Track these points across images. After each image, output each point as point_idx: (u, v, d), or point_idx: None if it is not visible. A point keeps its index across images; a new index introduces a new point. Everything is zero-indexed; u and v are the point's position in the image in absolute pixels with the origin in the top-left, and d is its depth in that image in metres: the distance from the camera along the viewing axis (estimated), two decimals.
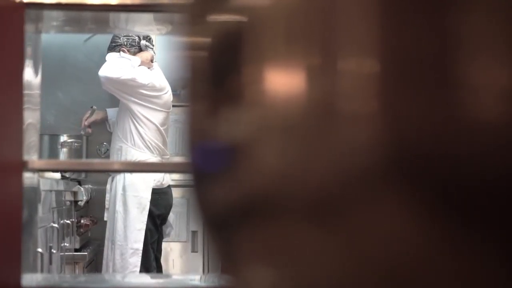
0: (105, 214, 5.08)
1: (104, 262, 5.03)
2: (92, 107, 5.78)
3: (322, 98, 0.42)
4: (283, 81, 0.44)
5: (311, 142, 0.43)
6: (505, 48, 0.38)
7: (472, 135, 0.38)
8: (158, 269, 5.01)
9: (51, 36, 4.78)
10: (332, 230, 0.43)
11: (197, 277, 2.44)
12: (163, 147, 4.95)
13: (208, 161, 0.51)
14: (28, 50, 2.02)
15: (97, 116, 5.59)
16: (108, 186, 5.05)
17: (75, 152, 5.53)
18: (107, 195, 5.05)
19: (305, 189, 0.44)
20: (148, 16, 2.13)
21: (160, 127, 4.91)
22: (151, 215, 4.87)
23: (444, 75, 0.38)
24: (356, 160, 0.41)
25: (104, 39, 5.83)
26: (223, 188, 0.50)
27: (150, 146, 4.87)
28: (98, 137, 5.87)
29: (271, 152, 0.45)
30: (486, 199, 0.38)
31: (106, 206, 5.06)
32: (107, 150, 5.90)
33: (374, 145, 0.40)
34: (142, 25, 2.28)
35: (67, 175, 5.16)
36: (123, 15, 2.13)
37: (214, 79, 0.51)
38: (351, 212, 0.42)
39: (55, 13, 2.13)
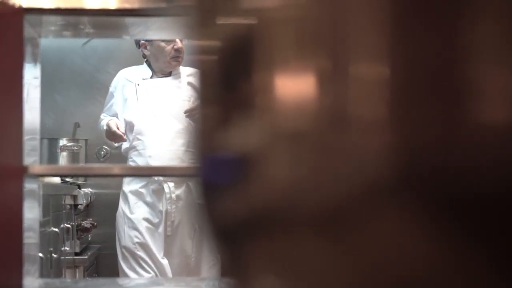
0: (168, 228, 4.25)
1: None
2: (77, 123, 5.79)
3: (332, 104, 0.42)
4: (293, 87, 0.44)
5: (321, 152, 0.43)
6: None
7: (485, 145, 0.38)
8: None
9: (49, 40, 4.78)
10: (341, 242, 0.43)
11: (202, 280, 2.44)
12: None
13: (218, 173, 0.51)
14: (27, 55, 2.02)
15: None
16: (168, 195, 4.26)
17: (74, 156, 5.53)
18: (171, 207, 4.25)
19: (315, 201, 0.43)
20: (147, 21, 2.13)
21: None
22: None
23: (455, 83, 0.38)
24: (366, 171, 0.41)
25: (102, 42, 5.84)
26: (233, 200, 0.50)
27: None
28: (97, 140, 5.87)
29: (281, 161, 0.45)
30: (497, 213, 0.38)
31: (173, 219, 4.25)
32: (106, 153, 5.90)
33: (385, 155, 0.40)
34: (141, 29, 2.28)
35: (67, 179, 5.16)
36: (122, 20, 2.13)
37: (224, 83, 0.51)
38: (360, 224, 0.42)
39: (53, 18, 2.13)
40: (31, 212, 2.07)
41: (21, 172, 1.96)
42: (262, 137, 0.46)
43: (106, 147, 5.89)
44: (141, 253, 4.32)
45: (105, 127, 4.44)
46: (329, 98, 0.42)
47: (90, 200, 5.61)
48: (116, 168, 2.46)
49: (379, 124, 0.40)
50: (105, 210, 5.83)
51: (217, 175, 0.51)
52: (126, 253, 4.42)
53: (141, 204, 4.37)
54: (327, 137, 0.42)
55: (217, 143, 0.52)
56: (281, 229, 0.46)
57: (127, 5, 1.98)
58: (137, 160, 4.39)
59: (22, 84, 1.96)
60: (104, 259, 5.83)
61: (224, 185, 0.51)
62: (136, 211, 4.38)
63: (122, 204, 4.50)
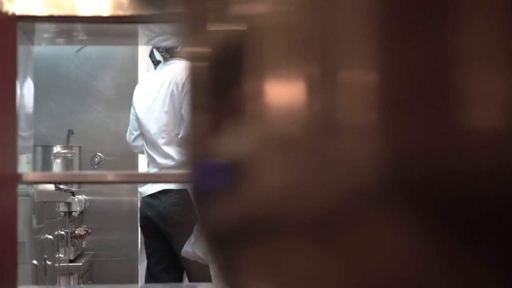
0: None
1: None
2: (70, 130, 5.78)
3: (323, 112, 0.42)
4: (284, 94, 0.44)
5: (312, 158, 0.43)
6: (503, 60, 0.38)
7: (474, 152, 0.38)
8: None
9: (42, 47, 4.77)
10: (333, 247, 0.43)
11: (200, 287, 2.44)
12: None
13: (209, 178, 0.51)
14: (21, 63, 2.02)
15: None
16: None
17: (68, 163, 5.53)
18: None
19: (307, 207, 0.44)
20: (141, 28, 2.13)
21: None
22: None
23: (445, 89, 0.38)
24: (356, 176, 0.41)
25: (96, 49, 5.84)
26: (224, 205, 0.50)
27: None
28: (91, 147, 5.87)
29: (272, 168, 0.45)
30: (489, 218, 0.38)
31: None
32: (100, 160, 5.90)
33: (375, 161, 0.40)
34: (135, 36, 2.28)
35: (61, 186, 5.16)
36: (115, 27, 2.13)
37: (215, 90, 0.51)
38: (352, 229, 0.42)
39: (47, 25, 2.13)
40: (25, 220, 2.07)
41: (15, 179, 1.96)
42: (253, 144, 0.47)
43: (100, 154, 5.89)
44: None
45: None
46: (320, 104, 0.43)
47: (84, 207, 5.60)
48: (110, 175, 2.46)
49: (369, 130, 0.40)
50: (99, 217, 5.83)
51: (209, 182, 0.52)
52: None
53: None
54: (318, 143, 0.43)
55: (208, 150, 0.52)
56: (273, 234, 0.47)
57: (120, 12, 1.98)
58: None
59: (15, 92, 1.96)
60: (98, 266, 5.82)
61: (216, 191, 0.51)
62: None
63: None
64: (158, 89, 4.32)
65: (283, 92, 0.44)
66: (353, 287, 0.43)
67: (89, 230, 5.55)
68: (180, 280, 4.44)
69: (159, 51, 4.45)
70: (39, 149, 5.32)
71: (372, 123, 0.40)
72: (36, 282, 3.51)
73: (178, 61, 4.32)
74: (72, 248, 5.10)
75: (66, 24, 2.12)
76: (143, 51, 5.65)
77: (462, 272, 0.39)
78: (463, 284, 0.40)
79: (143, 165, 5.66)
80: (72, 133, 5.86)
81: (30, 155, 2.14)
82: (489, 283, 0.39)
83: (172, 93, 4.25)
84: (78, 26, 2.15)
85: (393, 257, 0.41)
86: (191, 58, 0.57)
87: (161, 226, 4.31)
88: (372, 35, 0.40)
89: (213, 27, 0.53)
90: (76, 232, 5.26)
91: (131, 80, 5.68)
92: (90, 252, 5.71)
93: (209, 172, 0.52)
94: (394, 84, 0.40)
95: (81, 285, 5.00)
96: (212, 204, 0.51)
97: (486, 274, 0.39)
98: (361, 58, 0.41)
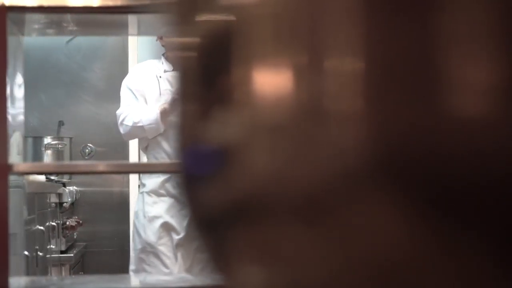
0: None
1: None
2: (61, 121, 5.76)
3: (310, 98, 0.43)
4: (271, 82, 0.45)
5: (299, 143, 0.43)
6: (489, 46, 0.38)
7: (458, 134, 0.38)
8: None
9: (32, 38, 4.76)
10: (321, 230, 0.44)
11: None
12: None
13: (199, 164, 0.52)
14: (11, 53, 2.01)
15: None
16: None
17: (59, 154, 5.51)
18: None
19: (294, 190, 0.44)
20: (131, 18, 2.13)
21: None
22: None
23: (429, 74, 0.39)
24: (343, 160, 0.41)
25: (86, 40, 5.82)
26: (214, 190, 0.50)
27: None
28: (81, 138, 5.86)
29: (260, 153, 0.46)
30: (473, 198, 0.39)
31: None
32: (91, 151, 5.90)
33: (361, 145, 0.41)
34: (125, 27, 2.28)
35: (52, 177, 5.15)
36: (105, 17, 2.13)
37: (204, 79, 0.52)
38: (339, 212, 0.43)
39: (36, 16, 2.13)
40: (16, 210, 2.07)
41: (6, 170, 1.96)
42: (242, 130, 0.47)
43: (90, 145, 5.88)
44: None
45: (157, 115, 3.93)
46: (307, 91, 0.43)
47: (75, 198, 5.60)
48: (101, 165, 2.46)
49: (356, 115, 0.41)
50: (90, 208, 5.83)
51: (199, 167, 0.52)
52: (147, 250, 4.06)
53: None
54: (306, 128, 0.43)
55: (198, 137, 0.52)
56: (263, 217, 0.47)
57: (110, 3, 1.98)
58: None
59: (5, 83, 1.96)
60: (89, 257, 5.82)
61: (206, 176, 0.51)
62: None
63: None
64: None
65: (271, 80, 0.45)
66: (343, 267, 0.43)
67: (80, 221, 5.54)
68: None
69: None
70: (29, 140, 5.31)
71: (359, 107, 0.41)
72: (27, 273, 3.51)
73: None
74: (64, 239, 5.09)
75: (56, 15, 2.11)
76: (133, 41, 5.64)
77: (451, 251, 0.40)
78: (452, 263, 0.40)
79: (134, 156, 5.66)
80: (63, 124, 5.84)
81: (21, 146, 2.14)
82: (481, 262, 0.40)
83: None
84: (68, 16, 2.14)
85: (382, 236, 0.41)
86: (180, 48, 0.57)
87: None
88: (357, 22, 0.41)
89: (202, 17, 0.54)
90: (67, 223, 5.25)
91: (122, 71, 5.67)
92: (81, 243, 5.71)
93: (199, 158, 0.52)
94: (380, 70, 0.40)
95: (73, 276, 5.00)
96: (203, 189, 0.52)
97: (475, 252, 0.40)
98: (347, 45, 0.41)
